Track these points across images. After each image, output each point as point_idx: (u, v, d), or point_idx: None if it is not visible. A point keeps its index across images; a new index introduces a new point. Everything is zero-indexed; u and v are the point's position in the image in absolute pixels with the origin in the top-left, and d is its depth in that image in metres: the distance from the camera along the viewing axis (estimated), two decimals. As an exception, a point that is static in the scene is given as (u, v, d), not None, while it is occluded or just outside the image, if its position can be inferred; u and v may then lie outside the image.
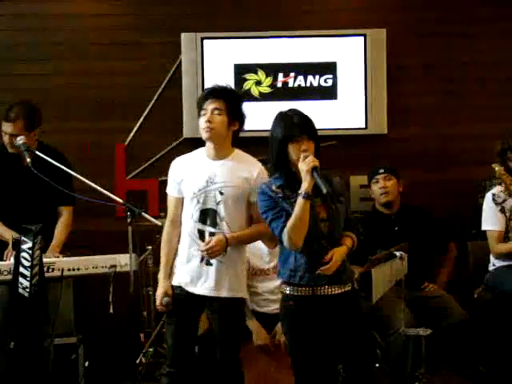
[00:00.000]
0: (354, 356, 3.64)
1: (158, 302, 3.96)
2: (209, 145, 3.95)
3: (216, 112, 3.85)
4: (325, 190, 3.43)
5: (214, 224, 3.87)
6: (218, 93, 3.90)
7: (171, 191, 4.02)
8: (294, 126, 3.55)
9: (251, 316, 4.65)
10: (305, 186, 3.46)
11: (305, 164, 3.48)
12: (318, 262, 3.51)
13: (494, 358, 4.89)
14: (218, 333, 3.97)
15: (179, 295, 3.95)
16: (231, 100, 3.90)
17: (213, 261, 3.87)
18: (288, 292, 3.61)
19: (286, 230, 3.48)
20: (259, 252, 4.66)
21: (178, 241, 3.99)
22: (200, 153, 4.02)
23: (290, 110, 3.67)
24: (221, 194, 3.86)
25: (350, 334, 3.61)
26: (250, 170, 3.93)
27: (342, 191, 3.68)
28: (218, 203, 3.87)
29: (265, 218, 3.61)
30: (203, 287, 3.91)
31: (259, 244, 4.61)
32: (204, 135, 3.89)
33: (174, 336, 3.99)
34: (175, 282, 3.98)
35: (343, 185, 3.72)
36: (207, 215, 3.88)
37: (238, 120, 3.95)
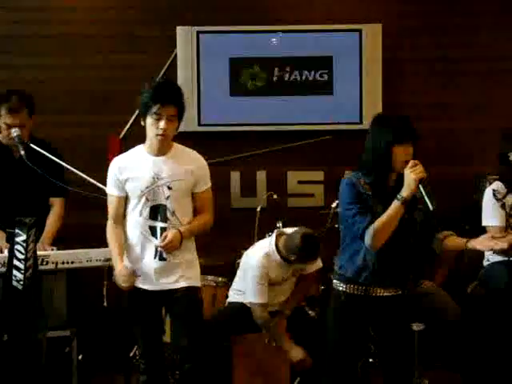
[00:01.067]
0: (394, 356, 3.71)
1: (128, 280, 3.89)
2: (153, 144, 3.91)
3: (170, 119, 3.83)
4: (431, 207, 3.48)
5: (165, 219, 3.88)
6: (173, 98, 3.84)
7: (112, 190, 4.00)
8: (403, 130, 3.56)
9: (283, 337, 4.65)
10: (407, 192, 3.49)
11: (414, 172, 3.49)
12: (384, 266, 3.59)
13: (487, 353, 4.89)
14: (180, 324, 3.96)
15: (136, 296, 3.96)
16: (182, 104, 3.89)
17: (166, 255, 3.88)
18: (341, 288, 3.67)
19: (372, 228, 3.50)
20: (275, 265, 4.68)
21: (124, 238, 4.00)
22: (140, 150, 3.98)
23: (390, 115, 3.73)
24: (169, 188, 3.87)
25: (392, 335, 3.69)
26: (192, 162, 3.96)
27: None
28: (167, 198, 3.87)
29: (348, 209, 3.62)
30: (160, 282, 3.92)
31: (277, 259, 4.61)
32: (157, 143, 3.87)
33: (142, 336, 4.02)
34: None
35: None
36: (157, 211, 3.88)
37: (182, 119, 3.96)
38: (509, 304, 4.56)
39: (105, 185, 4.32)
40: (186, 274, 3.93)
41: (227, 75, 6.00)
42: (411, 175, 3.48)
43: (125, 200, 3.97)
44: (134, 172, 3.91)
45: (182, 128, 5.80)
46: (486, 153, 5.88)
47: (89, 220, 5.69)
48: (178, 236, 3.83)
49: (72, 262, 4.46)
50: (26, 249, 3.97)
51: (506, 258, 4.75)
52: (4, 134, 4.64)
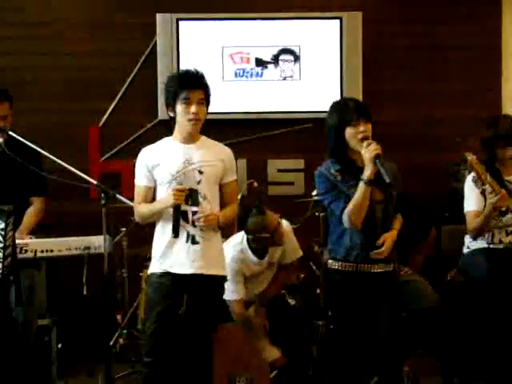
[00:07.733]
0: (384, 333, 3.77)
1: (176, 194, 3.76)
2: (183, 132, 3.91)
3: (200, 102, 3.85)
4: (388, 180, 3.55)
5: (197, 203, 3.87)
6: (201, 82, 3.88)
7: (140, 180, 3.97)
8: (350, 111, 3.66)
9: (262, 335, 4.65)
10: (367, 172, 3.59)
11: (368, 151, 3.59)
12: (371, 242, 3.69)
13: (467, 340, 4.92)
14: (201, 311, 3.93)
15: (165, 283, 3.89)
16: (208, 88, 3.91)
17: (199, 239, 3.86)
18: (334, 267, 3.76)
19: (346, 211, 3.63)
20: (249, 262, 4.71)
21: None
22: (168, 141, 3.99)
23: (343, 98, 3.82)
24: (200, 172, 3.87)
25: (384, 311, 3.76)
26: (221, 151, 4.00)
27: (395, 176, 3.74)
28: (198, 182, 3.87)
29: (323, 199, 3.78)
30: (192, 266, 3.87)
31: (250, 256, 4.65)
32: (191, 127, 3.87)
33: (158, 321, 3.89)
34: (158, 269, 3.92)
35: (396, 169, 3.82)
36: (188, 195, 3.85)
37: (209, 104, 3.97)
38: (489, 291, 4.58)
39: (84, 173, 4.30)
40: (217, 262, 3.96)
41: (207, 63, 5.97)
42: (366, 155, 3.59)
43: (152, 191, 3.96)
44: (164, 157, 3.90)
45: (161, 116, 5.86)
46: (464, 140, 5.90)
47: (68, 209, 5.70)
48: (215, 215, 3.86)
49: (51, 251, 4.43)
50: (4, 237, 3.93)
51: (486, 246, 4.79)
52: None
